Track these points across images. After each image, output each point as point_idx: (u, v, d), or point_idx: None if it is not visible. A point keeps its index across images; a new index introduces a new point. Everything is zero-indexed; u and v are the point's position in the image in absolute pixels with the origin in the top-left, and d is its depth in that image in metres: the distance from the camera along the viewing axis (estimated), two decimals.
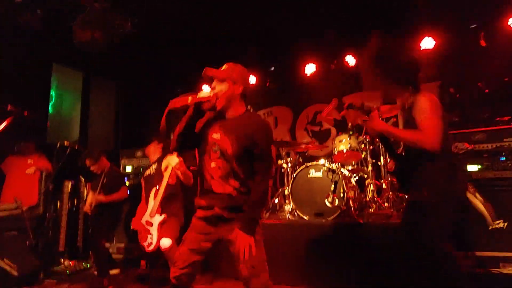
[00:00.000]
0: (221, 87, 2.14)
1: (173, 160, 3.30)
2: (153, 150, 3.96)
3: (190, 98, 2.11)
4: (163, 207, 3.43)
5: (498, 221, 3.19)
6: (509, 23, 4.73)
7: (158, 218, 3.37)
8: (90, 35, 4.88)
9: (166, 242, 3.23)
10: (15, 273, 3.64)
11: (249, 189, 2.08)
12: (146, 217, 3.43)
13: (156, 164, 3.80)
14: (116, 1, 4.69)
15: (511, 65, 4.58)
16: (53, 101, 6.33)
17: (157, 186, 3.45)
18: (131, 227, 3.62)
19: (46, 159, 4.90)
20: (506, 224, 3.16)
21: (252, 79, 6.49)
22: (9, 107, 3.68)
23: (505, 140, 3.36)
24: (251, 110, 6.28)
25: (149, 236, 3.35)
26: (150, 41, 5.74)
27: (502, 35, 4.78)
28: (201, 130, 2.22)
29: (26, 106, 4.74)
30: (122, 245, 4.78)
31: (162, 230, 3.34)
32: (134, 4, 4.86)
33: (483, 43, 4.84)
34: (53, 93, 6.32)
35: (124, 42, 5.46)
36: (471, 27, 5.05)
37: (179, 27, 5.68)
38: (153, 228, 3.35)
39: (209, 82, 2.21)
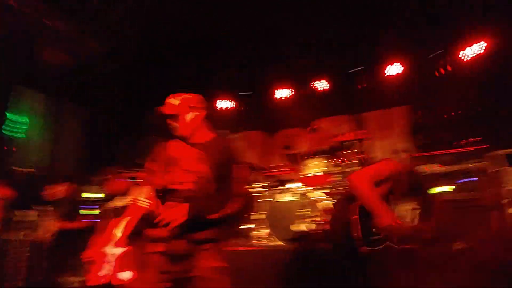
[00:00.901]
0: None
1: (142, 193, 3.16)
2: (116, 183, 3.70)
3: None
4: (129, 240, 3.19)
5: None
6: (469, 49, 5.00)
7: (120, 250, 3.12)
8: (56, 55, 4.71)
9: (126, 275, 2.99)
10: None
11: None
12: (107, 248, 3.17)
13: (121, 196, 3.58)
14: (81, 22, 4.57)
15: (474, 89, 4.78)
16: (19, 124, 5.98)
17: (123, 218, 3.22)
18: (85, 257, 3.29)
19: (7, 186, 4.53)
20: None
21: (226, 103, 6.47)
22: None
23: (471, 161, 3.45)
24: (228, 133, 6.11)
25: (106, 266, 3.09)
26: (118, 63, 5.61)
27: (460, 63, 5.05)
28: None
29: None
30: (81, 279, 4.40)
31: (122, 262, 3.10)
32: (100, 26, 4.76)
33: (445, 68, 5.09)
34: (20, 117, 5.99)
35: (91, 65, 5.32)
36: (432, 55, 5.32)
37: (149, 50, 5.62)
38: (112, 258, 3.10)
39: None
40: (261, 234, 3.98)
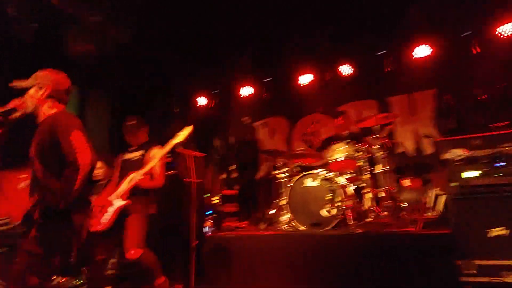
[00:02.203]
0: (28, 95, 2.32)
1: (160, 153, 3.32)
2: (136, 133, 3.65)
3: None
4: (131, 196, 3.31)
5: (500, 228, 3.12)
6: (499, 30, 4.75)
7: (120, 202, 3.27)
8: (83, 47, 4.88)
9: (134, 252, 3.16)
10: None
11: None
12: (111, 197, 3.33)
13: (139, 150, 3.60)
14: (109, 14, 4.70)
15: (503, 71, 4.58)
16: None
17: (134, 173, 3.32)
18: (96, 204, 3.42)
19: None
20: (508, 231, 3.09)
21: (249, 90, 6.49)
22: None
23: (501, 145, 3.32)
24: (248, 121, 6.25)
25: (104, 215, 3.25)
26: (144, 53, 5.74)
27: (494, 42, 4.80)
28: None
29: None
30: (115, 260, 4.65)
31: (128, 237, 3.24)
32: (127, 17, 4.88)
33: (475, 50, 4.86)
34: None
35: (118, 54, 5.47)
36: (464, 34, 5.07)
37: (173, 39, 5.70)
38: (111, 209, 3.26)
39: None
40: (284, 220, 4.04)
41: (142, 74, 6.39)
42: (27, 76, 5.35)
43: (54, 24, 4.59)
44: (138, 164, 3.43)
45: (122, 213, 3.29)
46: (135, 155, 3.60)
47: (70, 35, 4.71)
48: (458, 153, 3.54)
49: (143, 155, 3.50)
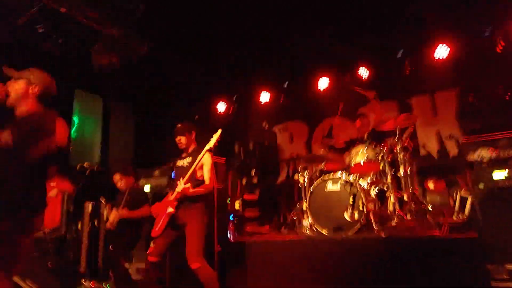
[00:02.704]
0: (14, 85, 2.24)
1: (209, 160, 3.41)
2: (186, 140, 3.61)
3: None
4: (189, 204, 3.34)
5: None
6: None
7: (169, 210, 3.32)
8: (108, 59, 5.07)
9: (193, 264, 3.19)
10: None
11: None
12: (163, 203, 3.42)
13: (188, 157, 3.58)
14: (131, 26, 4.87)
15: None
16: (75, 126, 6.56)
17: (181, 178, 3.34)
18: (152, 211, 3.50)
19: (68, 181, 5.02)
20: None
21: (267, 95, 6.54)
22: None
23: None
24: (267, 126, 6.27)
25: (159, 221, 3.32)
26: (165, 63, 5.90)
27: None
28: None
29: None
30: (142, 265, 4.76)
31: (187, 246, 3.29)
32: (148, 29, 5.04)
33: (498, 48, 4.73)
34: (75, 118, 6.55)
35: (140, 66, 5.65)
36: (486, 32, 4.95)
37: (193, 49, 5.83)
38: (162, 215, 3.31)
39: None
40: (306, 224, 4.03)
41: (163, 84, 6.57)
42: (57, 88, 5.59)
43: (80, 38, 4.79)
44: (187, 171, 3.42)
45: (177, 222, 3.32)
46: (183, 162, 3.60)
47: (95, 48, 4.91)
48: (484, 153, 3.46)
49: (190, 163, 3.50)
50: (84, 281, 4.70)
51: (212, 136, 3.48)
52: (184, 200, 3.30)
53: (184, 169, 3.46)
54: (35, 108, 2.24)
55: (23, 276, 3.72)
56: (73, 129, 6.47)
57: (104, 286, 4.67)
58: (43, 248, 4.16)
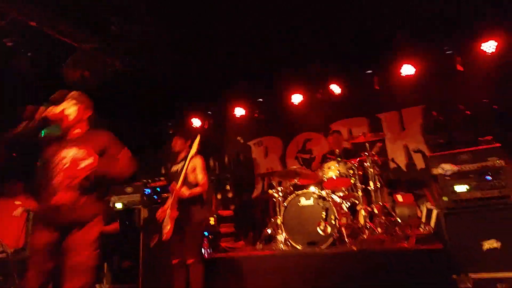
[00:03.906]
0: (71, 109, 2.45)
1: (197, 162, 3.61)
2: (180, 145, 3.84)
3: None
4: (186, 206, 3.49)
5: (492, 240, 3.19)
6: (482, 48, 4.95)
7: (169, 212, 3.44)
8: (80, 74, 4.98)
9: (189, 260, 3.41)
10: None
11: None
12: (167, 210, 3.50)
13: (181, 162, 3.74)
14: (104, 42, 4.83)
15: (487, 87, 4.76)
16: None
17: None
18: (158, 216, 3.56)
19: (34, 199, 4.82)
20: (500, 243, 3.15)
21: (242, 110, 6.60)
22: None
23: (489, 159, 3.42)
24: (241, 141, 6.34)
25: (166, 226, 3.41)
26: (140, 78, 5.86)
27: (477, 58, 4.99)
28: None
29: (13, 147, 4.73)
30: (109, 286, 4.61)
31: (185, 245, 3.45)
32: (122, 44, 5.01)
33: (459, 67, 5.04)
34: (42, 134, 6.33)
35: (115, 80, 5.58)
36: (447, 52, 5.27)
37: (167, 64, 5.83)
38: (166, 219, 3.44)
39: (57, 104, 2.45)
40: (280, 239, 4.06)
41: (137, 100, 6.50)
42: (26, 103, 5.41)
43: (51, 53, 4.70)
44: (179, 175, 3.57)
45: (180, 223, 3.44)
46: (177, 167, 3.78)
47: (67, 63, 4.82)
48: (447, 168, 3.64)
49: (183, 167, 3.63)
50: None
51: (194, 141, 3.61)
52: (182, 202, 3.47)
53: (179, 174, 3.61)
54: (86, 130, 2.52)
55: None
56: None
57: None
58: (6, 271, 3.95)
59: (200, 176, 3.64)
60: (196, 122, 6.97)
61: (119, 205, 5.12)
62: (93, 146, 2.39)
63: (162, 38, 5.15)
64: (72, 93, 2.53)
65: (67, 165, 2.30)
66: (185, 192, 3.48)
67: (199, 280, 3.43)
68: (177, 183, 3.46)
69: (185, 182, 3.52)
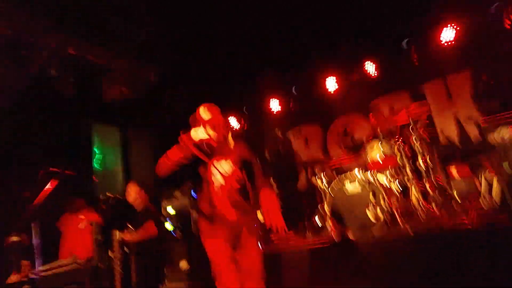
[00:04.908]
0: (219, 125, 2.63)
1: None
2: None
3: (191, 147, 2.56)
4: None
5: None
6: None
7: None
8: (118, 90, 5.27)
9: None
10: None
11: None
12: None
13: None
14: (136, 58, 5.05)
15: None
16: (96, 157, 6.79)
17: None
18: None
19: (95, 212, 5.18)
20: None
21: (277, 103, 6.55)
22: (52, 170, 3.99)
23: None
24: (280, 133, 6.31)
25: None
26: (172, 87, 6.04)
27: None
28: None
29: (72, 166, 5.13)
30: (175, 285, 4.81)
31: None
32: (153, 57, 5.20)
33: (506, 25, 4.55)
34: (96, 151, 6.79)
35: (150, 93, 5.82)
36: (492, 10, 4.78)
37: (198, 67, 5.95)
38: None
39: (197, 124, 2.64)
40: (328, 227, 3.99)
41: (175, 107, 6.71)
42: (73, 125, 5.80)
43: (89, 75, 5.01)
44: None
45: None
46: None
47: (104, 82, 5.11)
48: (506, 132, 3.34)
49: None
50: None
51: None
52: None
53: None
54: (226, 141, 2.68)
55: None
56: (95, 160, 6.70)
57: None
58: (79, 280, 4.29)
59: None
60: (234, 123, 7.00)
61: (170, 210, 5.35)
62: (236, 158, 2.59)
63: (186, 42, 5.26)
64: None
65: (222, 182, 2.52)
66: None
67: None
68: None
69: None
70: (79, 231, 5.00)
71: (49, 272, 4.13)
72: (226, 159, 2.55)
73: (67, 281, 4.21)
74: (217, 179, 2.50)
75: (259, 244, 2.60)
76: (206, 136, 2.54)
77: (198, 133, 2.54)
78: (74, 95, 5.04)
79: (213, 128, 2.56)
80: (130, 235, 4.27)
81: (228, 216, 2.42)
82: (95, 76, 5.07)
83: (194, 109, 6.91)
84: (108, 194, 4.59)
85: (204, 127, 2.56)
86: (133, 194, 4.48)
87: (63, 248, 4.90)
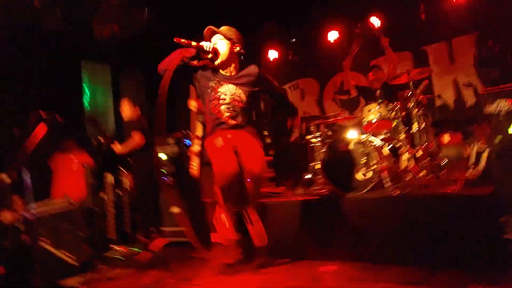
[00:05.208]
0: (221, 45, 2.68)
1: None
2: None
3: (194, 43, 2.61)
4: None
5: None
6: None
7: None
8: (110, 29, 4.96)
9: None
10: (74, 263, 3.97)
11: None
12: None
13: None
14: None
15: None
16: (86, 97, 6.60)
17: None
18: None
19: (87, 153, 5.17)
20: None
21: (275, 53, 6.35)
22: (41, 114, 3.88)
23: None
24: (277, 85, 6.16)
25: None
26: (171, 28, 5.72)
27: None
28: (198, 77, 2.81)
29: (61, 106, 4.99)
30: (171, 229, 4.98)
31: None
32: None
33: None
34: (86, 89, 6.58)
35: (146, 32, 5.51)
36: None
37: (194, 10, 5.61)
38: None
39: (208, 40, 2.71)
40: (320, 183, 4.08)
41: (171, 47, 6.41)
42: (61, 63, 5.54)
43: (79, 10, 4.67)
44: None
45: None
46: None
47: (95, 19, 4.79)
48: (503, 105, 3.34)
49: None
50: (114, 246, 5.02)
51: None
52: None
53: None
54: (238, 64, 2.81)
55: (58, 246, 3.99)
56: (85, 99, 6.52)
57: (133, 249, 4.99)
58: (73, 219, 4.41)
59: None
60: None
61: (163, 156, 5.37)
62: (245, 82, 2.73)
63: None
64: (221, 28, 2.73)
65: (226, 101, 2.68)
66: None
67: None
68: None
69: None
70: (71, 172, 5.03)
71: (42, 211, 4.20)
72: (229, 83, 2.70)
73: (61, 220, 4.31)
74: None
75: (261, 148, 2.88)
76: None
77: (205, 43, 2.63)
78: (62, 31, 4.74)
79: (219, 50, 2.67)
80: (117, 147, 4.33)
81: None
82: (84, 12, 4.72)
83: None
84: (99, 137, 4.55)
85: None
86: (127, 110, 4.49)
87: (55, 188, 4.95)
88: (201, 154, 3.60)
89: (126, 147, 4.28)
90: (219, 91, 2.83)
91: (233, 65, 2.82)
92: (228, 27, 2.77)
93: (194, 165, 3.54)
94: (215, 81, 2.86)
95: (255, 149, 2.83)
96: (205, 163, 3.57)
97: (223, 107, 2.81)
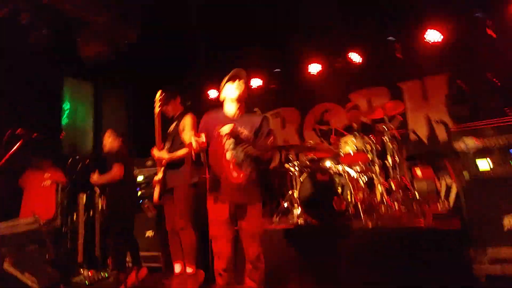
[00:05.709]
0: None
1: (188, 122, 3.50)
2: (172, 108, 3.71)
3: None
4: (173, 169, 3.48)
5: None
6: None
7: (155, 177, 3.54)
8: (95, 48, 4.99)
9: (178, 224, 3.42)
10: (36, 287, 3.77)
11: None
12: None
13: (174, 121, 3.64)
14: (117, 15, 4.77)
15: None
16: (66, 114, 6.50)
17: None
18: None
19: (62, 172, 5.04)
20: None
21: (258, 82, 6.49)
22: (18, 131, 3.80)
23: None
24: (258, 112, 6.32)
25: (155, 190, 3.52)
26: (155, 49, 5.80)
27: (509, 23, 4.62)
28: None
29: (39, 122, 4.89)
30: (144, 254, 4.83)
31: (176, 208, 3.49)
32: (134, 16, 4.93)
33: (490, 32, 4.69)
34: (66, 106, 6.48)
35: (131, 51, 5.56)
36: (477, 15, 4.89)
37: (183, 33, 5.73)
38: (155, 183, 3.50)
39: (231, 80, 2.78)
40: (296, 213, 4.11)
41: (154, 69, 6.47)
42: (43, 79, 5.46)
43: (66, 28, 4.70)
44: (173, 136, 3.49)
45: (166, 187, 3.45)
46: (171, 127, 3.64)
47: (81, 37, 4.82)
48: (470, 143, 3.50)
49: (174, 127, 3.56)
50: (83, 271, 4.82)
51: None
52: (170, 165, 3.41)
53: (170, 135, 3.55)
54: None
55: (22, 269, 3.80)
56: (64, 116, 6.42)
57: (102, 275, 4.79)
58: (40, 240, 4.23)
59: (187, 136, 3.37)
60: (214, 94, 6.91)
61: (140, 178, 5.29)
62: (251, 126, 2.64)
63: (172, 9, 5.02)
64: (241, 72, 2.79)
65: (231, 146, 2.52)
66: (164, 155, 3.37)
67: (188, 248, 3.38)
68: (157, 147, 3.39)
69: (176, 144, 3.43)
70: (43, 189, 4.87)
71: (8, 230, 4.02)
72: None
73: (28, 241, 4.13)
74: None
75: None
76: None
77: None
78: (47, 47, 4.73)
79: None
80: (96, 177, 4.20)
81: (233, 179, 2.46)
82: (71, 30, 4.75)
83: (176, 71, 6.66)
84: (77, 156, 4.47)
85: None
86: (110, 142, 4.37)
87: (24, 207, 4.76)
88: (163, 182, 3.48)
89: (103, 179, 4.18)
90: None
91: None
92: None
93: (155, 193, 3.46)
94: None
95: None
96: (166, 191, 3.48)
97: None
